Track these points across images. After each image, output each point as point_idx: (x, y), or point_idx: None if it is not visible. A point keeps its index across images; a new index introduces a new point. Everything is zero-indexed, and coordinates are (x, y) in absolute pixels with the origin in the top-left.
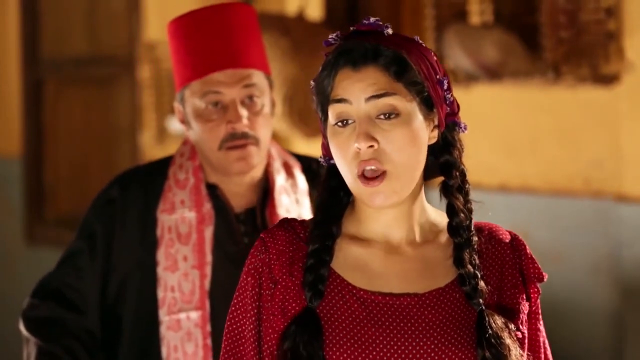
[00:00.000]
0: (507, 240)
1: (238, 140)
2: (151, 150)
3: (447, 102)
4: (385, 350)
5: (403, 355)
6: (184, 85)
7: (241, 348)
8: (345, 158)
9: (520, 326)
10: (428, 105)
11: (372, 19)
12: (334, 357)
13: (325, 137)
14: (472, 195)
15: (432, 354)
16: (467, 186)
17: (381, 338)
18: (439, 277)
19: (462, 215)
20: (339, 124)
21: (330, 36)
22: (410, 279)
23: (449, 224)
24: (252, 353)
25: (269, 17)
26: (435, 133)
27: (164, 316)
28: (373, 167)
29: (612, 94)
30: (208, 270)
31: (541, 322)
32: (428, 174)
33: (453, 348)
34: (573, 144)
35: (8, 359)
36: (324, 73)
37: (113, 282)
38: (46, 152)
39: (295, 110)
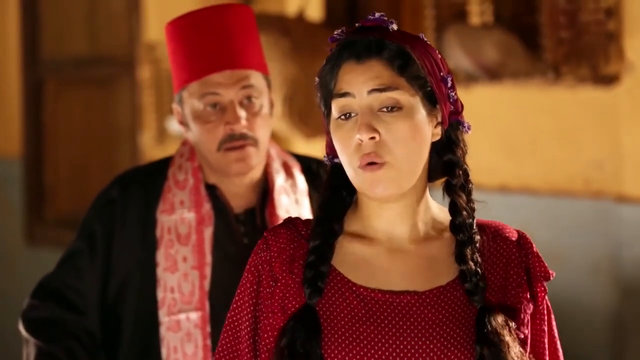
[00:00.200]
0: (514, 239)
1: (237, 142)
2: (151, 150)
3: (451, 100)
4: (384, 348)
5: (402, 354)
6: (182, 86)
7: (237, 346)
8: (348, 150)
9: (522, 327)
10: (431, 101)
11: (377, 14)
12: (332, 354)
13: (328, 133)
14: (473, 196)
15: (431, 353)
16: (470, 185)
17: (380, 336)
18: (441, 275)
19: (464, 213)
20: (342, 117)
21: (335, 32)
22: (412, 276)
23: (452, 222)
24: (246, 350)
25: (269, 17)
26: (439, 130)
27: (163, 317)
28: (375, 161)
29: (612, 94)
30: (208, 271)
31: (547, 323)
32: (433, 175)
33: (452, 348)
34: (573, 145)
35: (8, 359)
36: (327, 66)
37: (113, 283)
38: (46, 153)
39: (295, 111)
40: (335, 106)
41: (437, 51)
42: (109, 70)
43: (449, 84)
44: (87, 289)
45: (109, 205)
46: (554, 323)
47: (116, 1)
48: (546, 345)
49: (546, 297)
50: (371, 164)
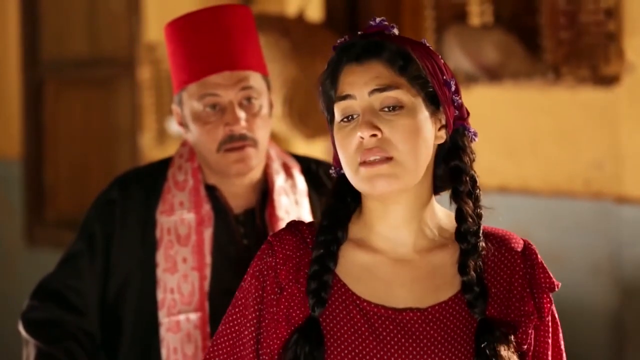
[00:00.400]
0: (519, 249)
1: (236, 142)
2: (151, 151)
3: (455, 104)
4: None
5: None
6: (182, 87)
7: (238, 349)
8: (349, 150)
9: (522, 340)
10: (434, 102)
11: (378, 19)
12: None
13: (334, 144)
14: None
15: None
16: (477, 191)
17: (382, 353)
18: (444, 287)
19: (470, 220)
20: (344, 119)
21: (338, 40)
22: (415, 290)
23: (457, 230)
24: (250, 356)
25: (269, 18)
26: (443, 133)
27: (163, 318)
28: (377, 156)
29: (612, 95)
30: (207, 271)
31: (552, 335)
32: (441, 185)
33: None
34: (573, 145)
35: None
36: (327, 72)
37: (113, 283)
38: (46, 153)
39: (295, 111)
40: (337, 109)
41: (440, 56)
42: (109, 71)
43: (453, 88)
44: (87, 289)
45: (109, 205)
46: (561, 336)
47: (116, 2)
48: (549, 359)
49: (554, 310)
50: (373, 161)
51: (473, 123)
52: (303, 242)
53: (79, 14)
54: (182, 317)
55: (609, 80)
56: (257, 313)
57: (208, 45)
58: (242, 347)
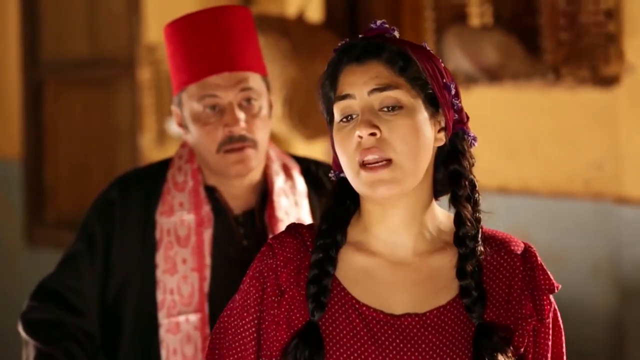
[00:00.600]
0: (519, 252)
1: (236, 143)
2: (151, 152)
3: (455, 107)
4: None
5: None
6: (181, 88)
7: (239, 350)
8: (348, 150)
9: (520, 344)
10: (433, 104)
11: (378, 22)
12: None
13: (333, 147)
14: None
15: None
16: (476, 196)
17: (380, 358)
18: (442, 291)
19: (468, 224)
20: (344, 119)
21: (339, 43)
22: (414, 293)
23: (456, 234)
24: (252, 357)
25: (269, 19)
26: (442, 135)
27: (163, 319)
28: (375, 156)
29: (612, 95)
30: (207, 272)
31: (553, 338)
32: (440, 189)
33: None
34: (573, 146)
35: None
36: (327, 73)
37: (113, 284)
38: (46, 154)
39: (295, 112)
40: (337, 109)
41: (440, 60)
42: (109, 72)
43: (453, 92)
44: (86, 290)
45: (109, 206)
46: (563, 339)
47: (116, 2)
48: None
49: (557, 313)
50: (373, 165)
51: (473, 124)
52: (303, 245)
53: (79, 14)
54: (181, 318)
55: (608, 81)
56: (258, 314)
57: (208, 46)
58: (242, 348)
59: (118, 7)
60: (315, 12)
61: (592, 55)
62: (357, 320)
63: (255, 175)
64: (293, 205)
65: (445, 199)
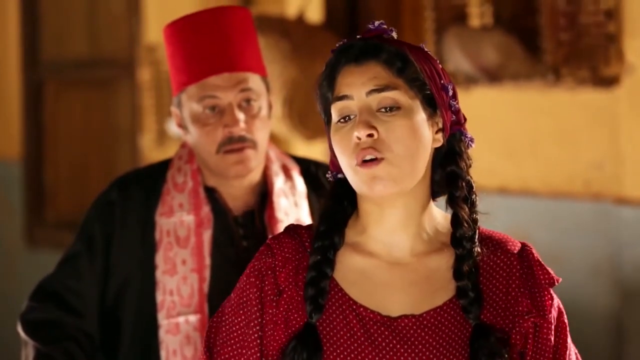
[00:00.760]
0: (516, 251)
1: (235, 144)
2: (151, 152)
3: (453, 109)
4: None
5: None
6: (181, 89)
7: (240, 348)
8: (346, 151)
9: (517, 345)
10: (431, 105)
11: (376, 23)
12: None
13: (331, 148)
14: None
15: None
16: (473, 196)
17: (378, 359)
18: (439, 292)
19: (465, 225)
20: (341, 120)
21: (337, 44)
22: (411, 294)
23: (453, 235)
24: (255, 350)
25: (269, 19)
26: (440, 136)
27: (162, 320)
28: (372, 156)
29: (611, 96)
30: (207, 273)
31: (556, 335)
32: (438, 190)
33: None
34: (573, 146)
35: None
36: (325, 72)
37: (112, 284)
38: (46, 154)
39: (295, 113)
40: (335, 110)
41: (438, 61)
42: (109, 72)
43: (450, 93)
44: (86, 291)
45: (109, 207)
46: (567, 336)
47: (116, 3)
48: (551, 356)
49: (561, 308)
50: (369, 161)
51: (473, 124)
52: (302, 245)
53: (79, 15)
54: (181, 319)
55: (608, 82)
56: (260, 312)
57: (207, 47)
58: (237, 346)
59: (118, 7)
60: (315, 13)
61: (592, 55)
62: (355, 322)
63: (255, 176)
64: (293, 206)
65: (442, 199)
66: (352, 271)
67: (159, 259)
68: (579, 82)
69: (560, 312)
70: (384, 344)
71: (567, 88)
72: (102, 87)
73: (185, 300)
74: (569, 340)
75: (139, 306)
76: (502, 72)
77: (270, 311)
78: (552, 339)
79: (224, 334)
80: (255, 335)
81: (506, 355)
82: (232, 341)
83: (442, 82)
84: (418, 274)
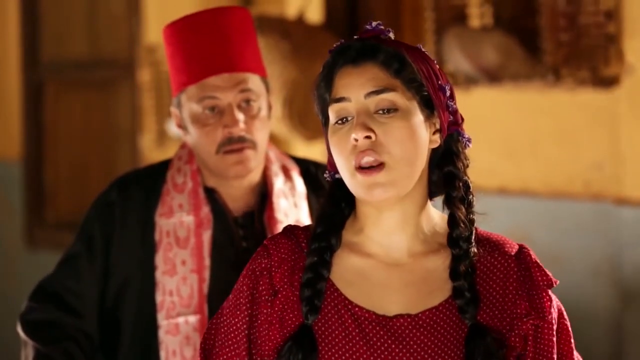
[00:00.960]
0: (513, 253)
1: (235, 144)
2: (151, 153)
3: (450, 109)
4: None
5: None
6: (181, 89)
7: (232, 348)
8: (344, 153)
9: (514, 345)
10: (429, 106)
11: (374, 24)
12: None
13: (328, 148)
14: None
15: None
16: (470, 197)
17: (372, 358)
18: (436, 292)
19: (462, 226)
20: (339, 122)
21: (335, 44)
22: (407, 294)
23: (449, 235)
24: (244, 353)
25: (269, 20)
26: (437, 137)
27: (162, 320)
28: (370, 158)
29: (611, 96)
30: (206, 274)
31: (556, 334)
32: (435, 190)
33: None
34: (573, 147)
35: None
36: (323, 73)
37: (112, 285)
38: (46, 155)
39: (295, 113)
40: (332, 111)
41: (435, 62)
42: (109, 73)
43: (448, 93)
44: (85, 291)
45: (109, 207)
46: (570, 337)
47: (116, 3)
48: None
49: (562, 309)
50: (368, 169)
51: (473, 124)
52: (298, 246)
53: (79, 15)
54: (181, 319)
55: (608, 82)
56: (249, 312)
57: (207, 47)
58: (234, 347)
59: (118, 8)
60: (315, 13)
61: (592, 56)
62: (350, 321)
63: (255, 176)
64: (292, 207)
65: (439, 199)
66: (348, 271)
67: (159, 259)
68: (579, 83)
69: (560, 314)
70: (379, 344)
71: (567, 88)
72: (102, 88)
73: (185, 301)
74: (573, 343)
75: (139, 306)
76: (502, 73)
77: (265, 311)
78: (555, 339)
79: (223, 335)
80: (243, 334)
81: (502, 356)
82: (230, 342)
83: (439, 82)
84: (415, 274)
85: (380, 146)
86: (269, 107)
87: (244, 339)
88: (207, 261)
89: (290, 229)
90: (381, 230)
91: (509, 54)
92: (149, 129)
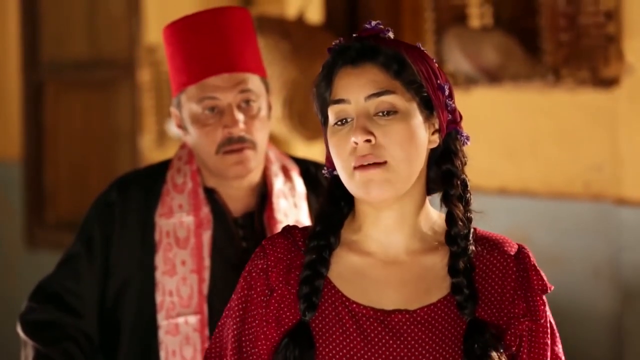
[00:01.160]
0: (512, 253)
1: (235, 145)
2: (151, 153)
3: (449, 108)
4: None
5: None
6: (180, 90)
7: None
8: (343, 155)
9: (512, 343)
10: (428, 107)
11: (373, 23)
12: None
13: (327, 145)
14: (473, 199)
15: None
16: (468, 195)
17: (369, 355)
18: (434, 289)
19: (460, 224)
20: (338, 123)
21: (333, 43)
22: (405, 292)
23: (447, 233)
24: (230, 353)
25: (269, 20)
26: (436, 137)
27: (162, 320)
28: (370, 162)
29: (611, 96)
30: (206, 274)
31: (550, 337)
32: (433, 187)
33: None
34: (573, 147)
35: None
36: (322, 74)
37: (112, 285)
38: (46, 155)
39: (295, 113)
40: (331, 112)
41: (434, 60)
42: (109, 73)
43: (447, 92)
44: (85, 291)
45: (108, 207)
46: (557, 340)
47: (116, 3)
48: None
49: (550, 317)
50: (367, 165)
51: (473, 125)
52: (294, 245)
53: (79, 16)
54: (180, 319)
55: (608, 82)
56: (241, 312)
57: (207, 48)
58: (225, 347)
59: (118, 8)
60: (315, 14)
61: (592, 56)
62: (347, 318)
63: (255, 176)
64: (292, 207)
65: (436, 197)
66: (347, 269)
67: (159, 259)
68: (579, 83)
69: (550, 322)
70: (376, 340)
71: (567, 89)
72: (102, 88)
73: (185, 301)
74: (559, 345)
75: (139, 307)
76: (502, 73)
77: (261, 311)
78: (549, 342)
79: (222, 338)
80: (232, 334)
81: (501, 351)
82: (219, 343)
83: (438, 82)
84: (413, 272)
85: (381, 149)
86: (269, 108)
87: (233, 339)
88: (206, 261)
89: (288, 229)
90: (380, 229)
91: (509, 54)
92: (149, 129)
